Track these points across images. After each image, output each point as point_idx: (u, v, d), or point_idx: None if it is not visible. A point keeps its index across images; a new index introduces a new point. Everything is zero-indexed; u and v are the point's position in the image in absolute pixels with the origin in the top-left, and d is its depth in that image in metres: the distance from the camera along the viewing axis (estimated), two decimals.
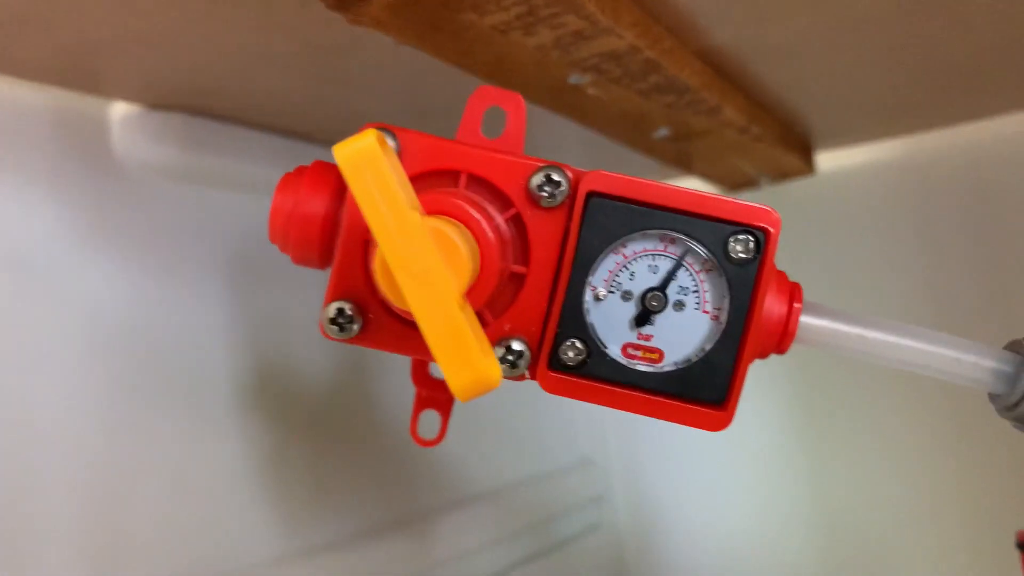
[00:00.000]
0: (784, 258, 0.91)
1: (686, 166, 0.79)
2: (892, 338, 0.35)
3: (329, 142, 0.67)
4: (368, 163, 0.23)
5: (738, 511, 0.96)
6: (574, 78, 0.51)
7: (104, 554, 0.51)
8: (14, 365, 0.48)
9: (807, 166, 0.84)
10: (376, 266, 0.25)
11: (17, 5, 0.40)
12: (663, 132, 0.65)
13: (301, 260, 0.35)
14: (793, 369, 0.89)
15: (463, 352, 0.23)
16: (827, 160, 0.86)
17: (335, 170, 0.34)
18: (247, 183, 0.63)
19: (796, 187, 0.86)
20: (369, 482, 0.72)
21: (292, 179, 0.35)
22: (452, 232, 0.25)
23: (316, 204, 0.33)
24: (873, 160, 0.85)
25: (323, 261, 0.34)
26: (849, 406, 0.88)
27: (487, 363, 0.24)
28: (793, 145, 0.78)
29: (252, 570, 0.59)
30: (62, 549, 0.49)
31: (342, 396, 0.70)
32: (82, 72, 0.51)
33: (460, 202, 0.28)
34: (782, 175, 0.84)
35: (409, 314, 0.24)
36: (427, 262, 0.23)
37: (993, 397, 0.36)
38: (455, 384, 0.24)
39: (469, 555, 0.79)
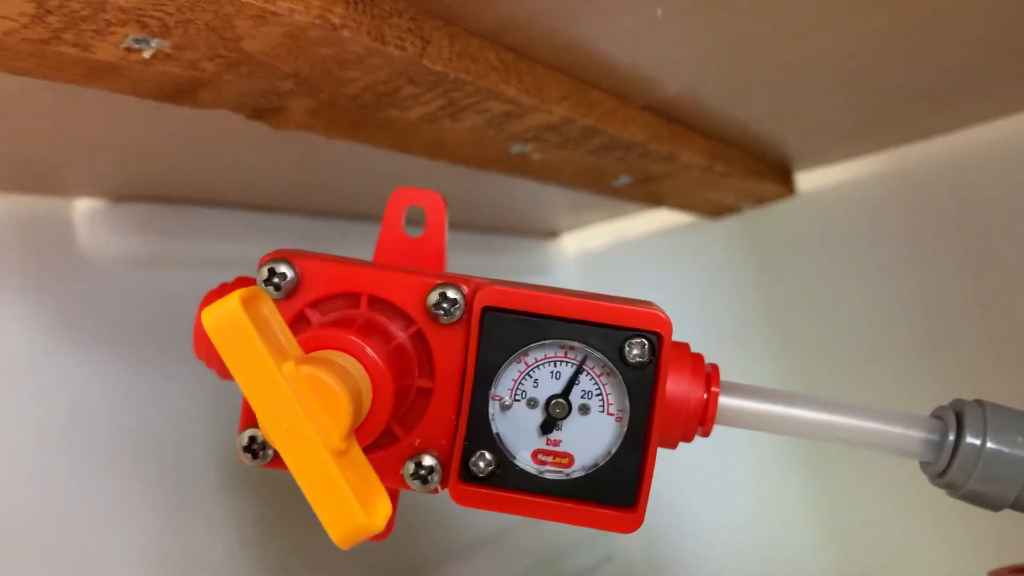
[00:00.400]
0: (771, 281, 0.90)
1: (659, 203, 0.79)
2: (817, 415, 0.35)
3: (293, 210, 0.68)
4: (231, 327, 0.24)
5: (752, 535, 0.95)
6: (516, 148, 0.52)
7: None
8: (11, 461, 0.50)
9: (787, 189, 0.83)
10: (258, 419, 0.26)
11: None
12: (624, 180, 0.65)
13: (226, 376, 0.36)
14: (797, 383, 0.89)
15: (338, 504, 0.24)
16: (808, 180, 0.85)
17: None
18: (218, 260, 0.64)
19: (778, 209, 0.86)
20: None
21: (214, 297, 0.36)
22: (329, 376, 0.26)
23: None
24: (855, 177, 0.85)
25: None
26: None
27: (362, 513, 0.24)
28: (767, 173, 0.78)
29: None
30: None
31: None
32: (38, 178, 0.52)
33: (345, 336, 0.29)
34: (762, 200, 0.84)
35: None
36: (295, 419, 0.24)
37: (924, 466, 0.36)
38: (332, 535, 0.24)
39: None
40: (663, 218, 0.92)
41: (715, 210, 0.86)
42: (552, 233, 1.00)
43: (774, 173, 0.80)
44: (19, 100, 0.38)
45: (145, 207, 0.59)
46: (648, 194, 0.72)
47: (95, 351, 0.56)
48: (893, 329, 0.83)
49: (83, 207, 0.57)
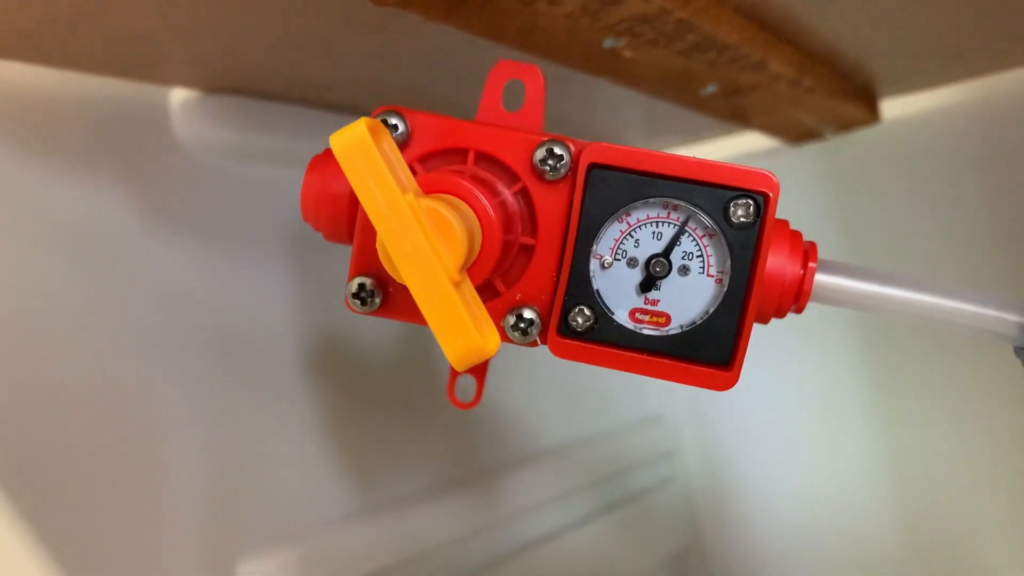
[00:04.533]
0: (852, 209, 0.88)
1: (743, 120, 0.78)
2: (911, 294, 0.35)
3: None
4: (359, 151, 0.25)
5: (811, 463, 0.95)
6: (608, 42, 0.52)
7: (209, 511, 0.55)
8: (97, 343, 0.52)
9: (871, 115, 0.82)
10: (378, 245, 0.27)
11: (68, 2, 0.43)
12: (711, 89, 0.64)
13: (332, 237, 0.37)
14: (865, 318, 0.88)
15: (455, 325, 0.25)
16: (893, 108, 0.83)
17: None
18: (301, 157, 0.65)
19: (861, 137, 0.84)
20: (436, 440, 0.74)
21: (320, 161, 0.37)
22: (446, 211, 0.27)
23: (342, 184, 0.35)
24: (942, 105, 0.82)
25: (352, 238, 0.36)
26: (925, 353, 0.86)
27: (478, 335, 0.25)
28: (853, 95, 0.76)
29: (326, 527, 0.62)
30: (176, 516, 0.53)
31: (406, 357, 0.72)
32: (138, 61, 0.54)
33: (459, 180, 0.29)
34: (845, 125, 0.83)
35: None
36: (417, 241, 0.25)
37: (1018, 351, 0.36)
38: (449, 354, 0.25)
39: (537, 509, 0.82)
40: (743, 143, 0.90)
41: (797, 134, 0.85)
42: None
43: (859, 96, 0.78)
44: None
45: (236, 100, 0.61)
46: (733, 108, 0.72)
47: (185, 235, 0.58)
48: (975, 265, 0.81)
49: (178, 96, 0.59)
